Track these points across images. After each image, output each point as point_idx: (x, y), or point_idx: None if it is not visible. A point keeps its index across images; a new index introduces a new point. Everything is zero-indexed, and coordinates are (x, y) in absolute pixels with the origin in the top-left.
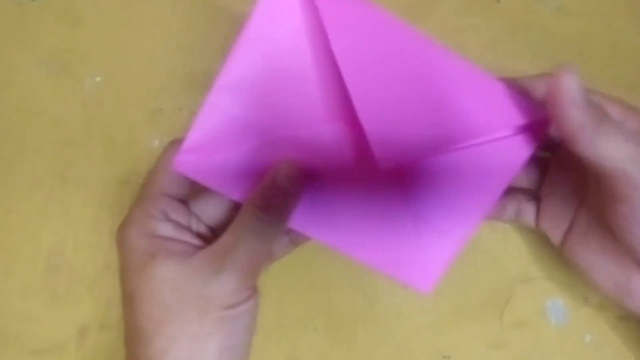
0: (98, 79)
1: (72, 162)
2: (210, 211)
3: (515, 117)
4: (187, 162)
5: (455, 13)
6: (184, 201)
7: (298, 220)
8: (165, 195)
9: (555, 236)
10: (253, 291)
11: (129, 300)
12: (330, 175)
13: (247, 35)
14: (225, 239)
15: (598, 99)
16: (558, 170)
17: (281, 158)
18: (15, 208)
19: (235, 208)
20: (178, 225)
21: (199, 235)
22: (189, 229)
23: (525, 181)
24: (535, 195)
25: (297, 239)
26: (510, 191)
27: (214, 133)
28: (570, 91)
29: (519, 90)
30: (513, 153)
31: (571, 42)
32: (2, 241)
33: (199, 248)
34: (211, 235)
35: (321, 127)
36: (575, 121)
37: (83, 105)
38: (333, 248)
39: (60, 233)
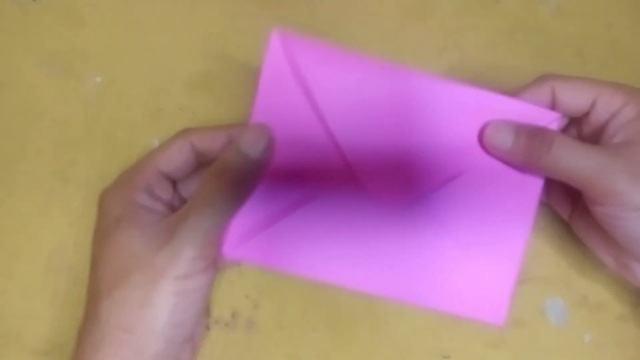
0: (99, 79)
1: (73, 162)
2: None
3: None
4: (236, 246)
5: (455, 13)
6: (174, 182)
7: (354, 279)
8: (157, 171)
9: (563, 213)
10: (208, 265)
11: (92, 262)
12: (367, 224)
13: (258, 108)
14: (181, 209)
15: (594, 89)
16: None
17: (314, 218)
18: (16, 208)
19: None
20: (157, 198)
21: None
22: (169, 205)
23: None
24: None
25: None
26: None
27: (256, 214)
28: (497, 146)
29: (520, 99)
30: None
31: (570, 42)
32: (3, 241)
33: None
34: None
35: (343, 176)
36: (517, 159)
37: (84, 106)
38: (397, 300)
39: (61, 233)
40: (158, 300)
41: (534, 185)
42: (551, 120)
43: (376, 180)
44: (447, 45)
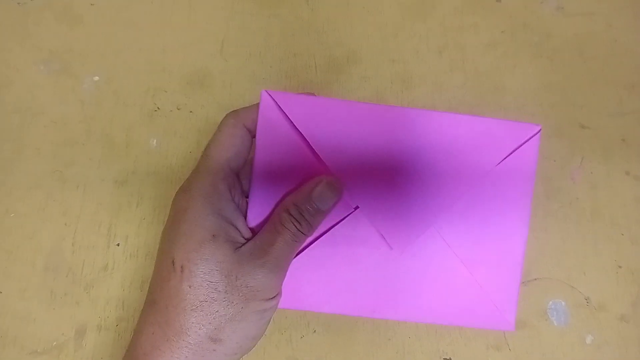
0: (97, 78)
1: (71, 162)
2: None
3: (509, 137)
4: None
5: (455, 13)
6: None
7: (366, 309)
8: (231, 170)
9: None
10: (280, 291)
11: (175, 268)
12: (374, 255)
13: (258, 151)
14: (265, 237)
15: None
16: None
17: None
18: (14, 208)
19: None
20: (237, 208)
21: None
22: (243, 213)
23: None
24: None
25: None
26: None
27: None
28: None
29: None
30: (523, 163)
31: (571, 42)
32: (1, 241)
33: (245, 237)
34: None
35: (344, 209)
36: None
37: (82, 105)
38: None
39: (59, 233)
40: (243, 318)
41: (525, 196)
42: (533, 133)
43: (378, 214)
44: (447, 44)
